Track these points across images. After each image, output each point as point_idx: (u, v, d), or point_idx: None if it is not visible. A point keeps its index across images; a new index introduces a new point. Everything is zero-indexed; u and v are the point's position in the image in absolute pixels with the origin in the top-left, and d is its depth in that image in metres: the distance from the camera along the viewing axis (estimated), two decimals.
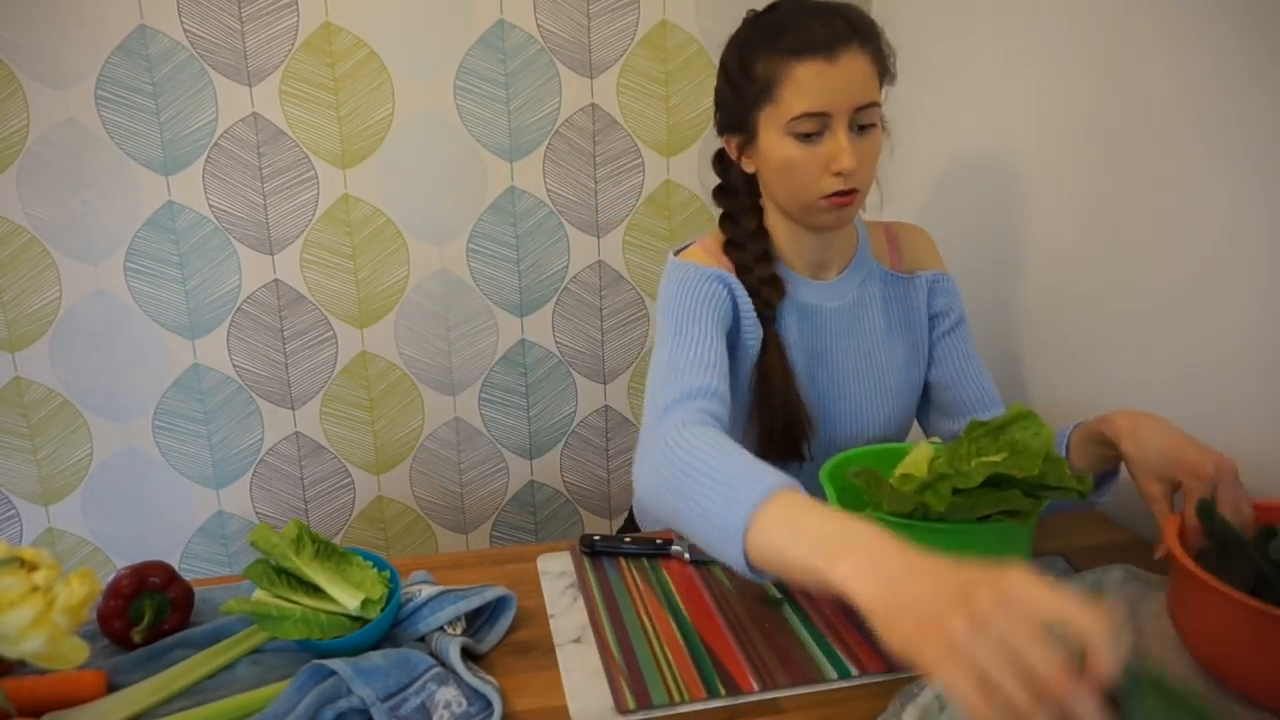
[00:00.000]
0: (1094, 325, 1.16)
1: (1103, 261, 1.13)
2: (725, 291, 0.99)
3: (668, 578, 0.97)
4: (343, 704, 0.72)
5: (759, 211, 1.06)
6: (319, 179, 1.56)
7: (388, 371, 1.67)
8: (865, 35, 0.93)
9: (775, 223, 1.05)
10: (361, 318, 1.64)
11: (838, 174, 0.93)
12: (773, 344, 1.02)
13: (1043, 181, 1.24)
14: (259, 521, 1.68)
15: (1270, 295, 0.91)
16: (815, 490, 0.87)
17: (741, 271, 1.02)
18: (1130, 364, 1.10)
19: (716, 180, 1.10)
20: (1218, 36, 0.94)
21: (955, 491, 0.79)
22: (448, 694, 0.74)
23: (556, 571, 1.00)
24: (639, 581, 0.96)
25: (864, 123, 0.93)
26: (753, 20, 0.99)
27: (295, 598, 0.82)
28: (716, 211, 1.10)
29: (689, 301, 0.98)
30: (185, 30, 1.46)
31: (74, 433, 1.59)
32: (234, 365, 1.61)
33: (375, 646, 0.82)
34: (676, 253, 1.06)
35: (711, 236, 1.08)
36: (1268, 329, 0.92)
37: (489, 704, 0.74)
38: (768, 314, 1.02)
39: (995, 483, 0.79)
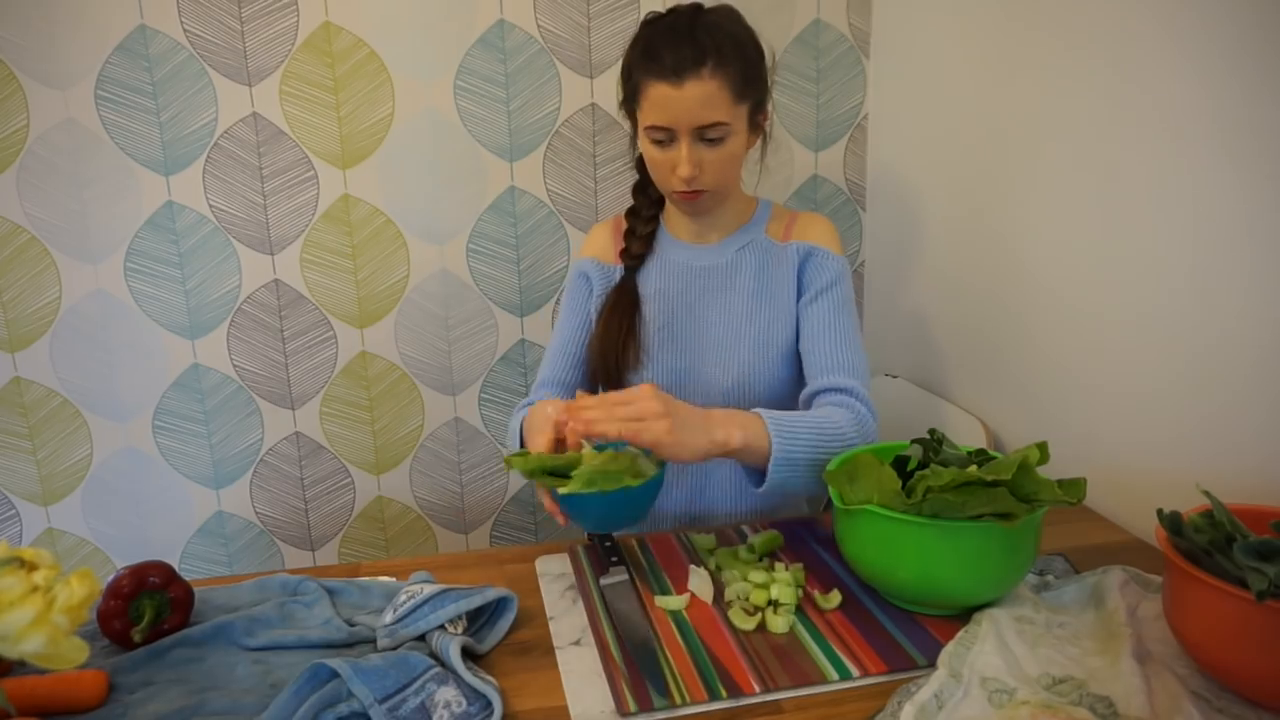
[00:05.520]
0: (1091, 329, 1.16)
1: (1100, 264, 1.13)
2: (584, 282, 1.26)
3: (667, 579, 0.97)
4: (343, 708, 0.72)
5: None
6: (319, 179, 1.56)
7: (388, 371, 1.67)
8: (720, 61, 1.05)
9: None
10: (361, 318, 1.64)
11: (680, 177, 1.10)
12: (623, 287, 1.23)
13: (1039, 182, 1.24)
14: (259, 522, 1.68)
15: (1269, 300, 0.91)
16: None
17: (628, 234, 1.25)
18: (1128, 368, 1.10)
19: None
20: (1220, 37, 0.94)
21: (933, 489, 0.80)
22: (447, 694, 0.74)
23: (555, 573, 1.00)
24: (639, 583, 0.96)
25: (711, 136, 1.08)
26: (645, 25, 1.13)
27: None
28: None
29: (566, 303, 1.28)
30: (185, 30, 1.46)
31: (74, 433, 1.59)
32: (234, 365, 1.61)
33: (356, 648, 0.82)
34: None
35: (617, 215, 1.31)
36: (1267, 334, 0.92)
37: (489, 704, 0.74)
38: (632, 265, 1.24)
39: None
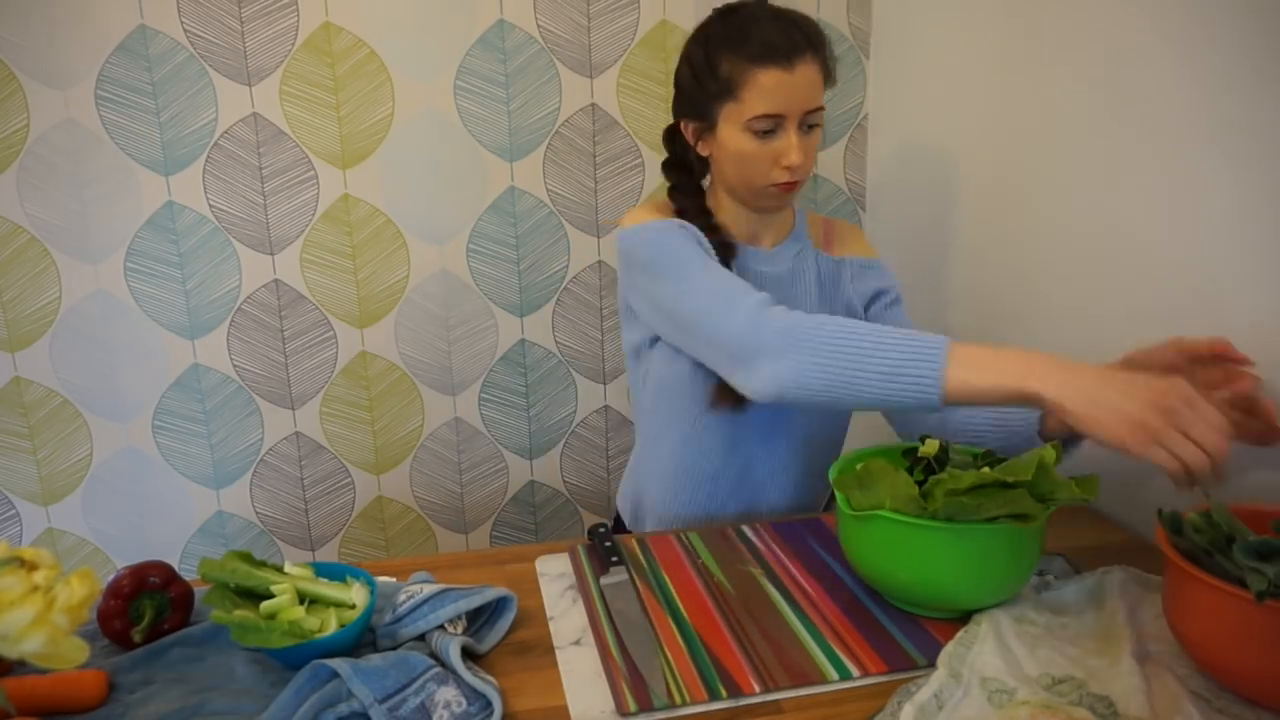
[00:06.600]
0: (1091, 328, 1.16)
1: (1100, 263, 1.13)
2: (694, 235, 1.09)
3: (668, 579, 0.97)
4: (344, 708, 0.72)
5: (702, 190, 1.20)
6: (319, 179, 1.56)
7: (388, 371, 1.67)
8: (817, 46, 1.05)
9: (720, 198, 1.17)
10: (361, 318, 1.64)
11: (786, 167, 1.06)
12: None
13: (1039, 182, 1.24)
14: (259, 522, 1.68)
15: (1269, 300, 0.91)
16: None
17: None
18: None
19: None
20: (1220, 36, 0.94)
21: (953, 492, 0.79)
22: (447, 694, 0.74)
23: (555, 573, 1.00)
24: (639, 583, 0.96)
25: (811, 123, 1.07)
26: (719, 18, 1.10)
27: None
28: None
29: (682, 247, 1.06)
30: (185, 30, 1.46)
31: (74, 433, 1.59)
32: (234, 365, 1.61)
33: (356, 648, 0.82)
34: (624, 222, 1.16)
35: (653, 204, 1.17)
36: (1267, 334, 0.92)
37: (489, 704, 0.74)
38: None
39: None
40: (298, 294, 1.60)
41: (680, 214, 1.14)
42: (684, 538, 1.07)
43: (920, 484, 0.84)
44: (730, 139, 1.07)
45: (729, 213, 1.17)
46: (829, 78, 1.08)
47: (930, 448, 0.91)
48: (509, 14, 1.55)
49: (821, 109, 1.07)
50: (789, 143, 1.05)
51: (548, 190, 1.64)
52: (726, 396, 1.11)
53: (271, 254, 1.58)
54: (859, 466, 0.87)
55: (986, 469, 0.81)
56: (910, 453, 0.94)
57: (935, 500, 0.80)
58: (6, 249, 1.49)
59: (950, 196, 1.48)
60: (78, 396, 1.58)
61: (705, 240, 1.10)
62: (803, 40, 1.03)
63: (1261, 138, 0.90)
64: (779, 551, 1.03)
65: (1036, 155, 1.24)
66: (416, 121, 1.56)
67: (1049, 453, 0.80)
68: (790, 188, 1.09)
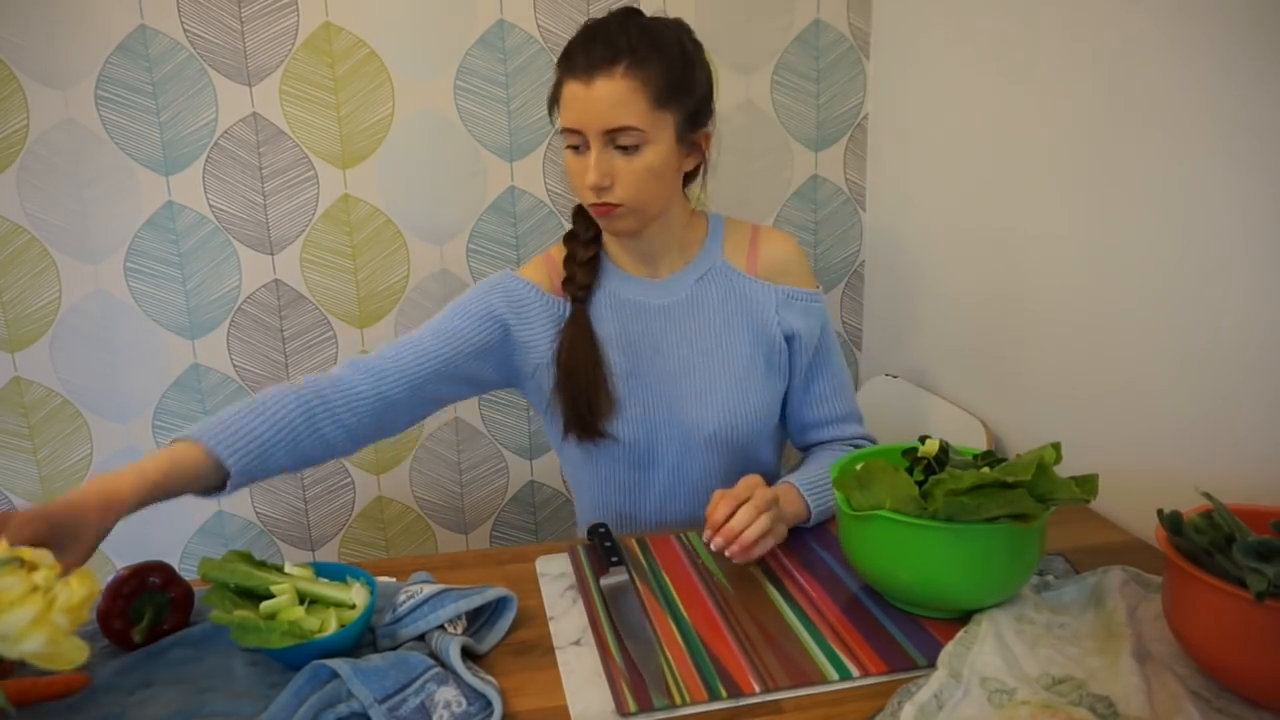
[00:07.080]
0: (1091, 328, 1.16)
1: (1100, 264, 1.13)
2: (498, 301, 1.10)
3: (668, 579, 0.97)
4: (343, 708, 0.72)
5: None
6: (319, 179, 1.56)
7: None
8: (636, 61, 0.98)
9: None
10: (361, 318, 1.64)
11: (589, 187, 1.01)
12: (575, 322, 1.11)
13: (1040, 182, 1.24)
14: (259, 522, 1.68)
15: (1269, 299, 0.91)
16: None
17: (568, 261, 1.13)
18: (1128, 367, 1.10)
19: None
20: (1221, 36, 0.94)
21: (953, 492, 0.79)
22: (447, 694, 0.74)
23: (555, 573, 1.00)
24: (639, 583, 0.96)
25: (623, 143, 0.99)
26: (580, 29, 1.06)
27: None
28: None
29: (452, 308, 1.10)
30: (185, 30, 1.46)
31: (74, 433, 1.59)
32: (234, 365, 1.61)
33: (356, 648, 0.82)
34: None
35: (546, 253, 1.18)
36: (1267, 333, 0.92)
37: (489, 704, 0.74)
38: (579, 294, 1.11)
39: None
40: (298, 294, 1.60)
41: (569, 235, 1.14)
42: (684, 538, 1.07)
43: (920, 484, 0.84)
44: (565, 152, 1.05)
45: (615, 243, 1.14)
46: (665, 97, 1.00)
47: (930, 448, 0.91)
48: (509, 14, 1.55)
49: (633, 129, 0.98)
50: (587, 161, 1.00)
51: (548, 190, 1.64)
52: (572, 427, 1.13)
53: (271, 254, 1.58)
54: (859, 466, 0.87)
55: (986, 469, 0.81)
56: (910, 453, 0.94)
57: (935, 500, 0.80)
58: (6, 249, 1.49)
59: (950, 196, 1.48)
60: (78, 396, 1.58)
61: (507, 307, 1.09)
62: (606, 56, 0.97)
63: (1265, 138, 0.90)
64: (778, 551, 1.03)
65: (1036, 155, 1.24)
66: (416, 121, 1.56)
67: (1048, 453, 0.80)
68: (604, 211, 1.03)
